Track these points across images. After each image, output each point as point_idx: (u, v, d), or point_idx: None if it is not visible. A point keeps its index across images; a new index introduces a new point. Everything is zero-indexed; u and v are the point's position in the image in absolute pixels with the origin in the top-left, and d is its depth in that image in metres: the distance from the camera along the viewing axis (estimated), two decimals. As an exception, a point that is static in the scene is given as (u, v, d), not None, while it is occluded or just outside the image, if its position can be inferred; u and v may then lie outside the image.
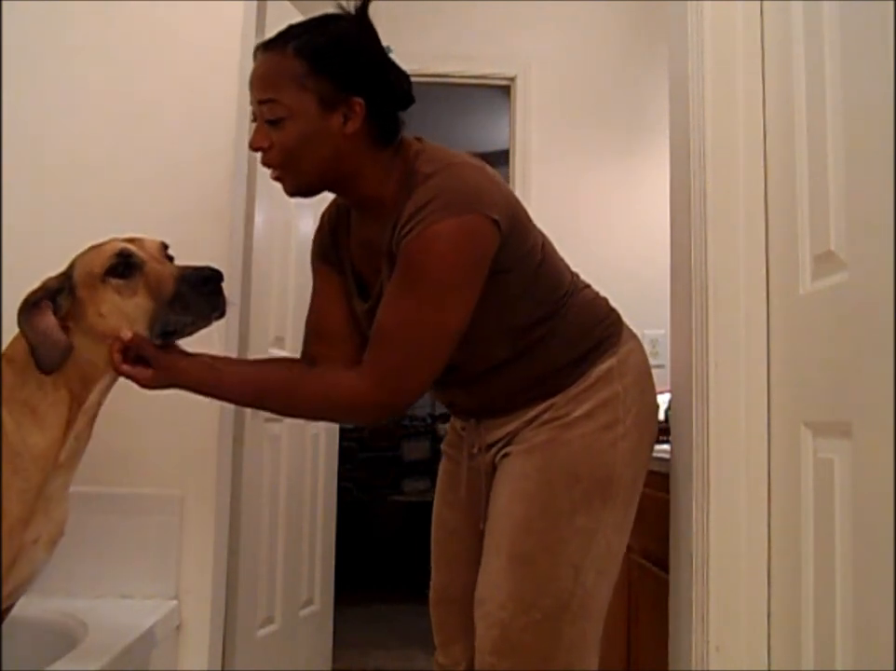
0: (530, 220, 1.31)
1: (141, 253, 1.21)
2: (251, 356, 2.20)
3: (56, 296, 1.18)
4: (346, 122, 1.20)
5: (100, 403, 1.22)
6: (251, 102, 1.24)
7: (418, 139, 1.29)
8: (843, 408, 1.05)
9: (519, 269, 1.25)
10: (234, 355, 2.00)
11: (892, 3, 0.94)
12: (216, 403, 1.88)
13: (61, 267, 1.83)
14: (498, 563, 1.25)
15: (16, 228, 1.82)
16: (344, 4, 1.25)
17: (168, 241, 1.87)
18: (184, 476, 1.80)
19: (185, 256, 1.87)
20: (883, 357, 0.93)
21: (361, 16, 1.24)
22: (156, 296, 1.17)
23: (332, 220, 1.41)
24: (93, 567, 1.75)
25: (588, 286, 1.44)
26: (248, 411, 2.18)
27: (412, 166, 1.23)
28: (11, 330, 1.74)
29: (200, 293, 1.17)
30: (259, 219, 2.24)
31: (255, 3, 2.04)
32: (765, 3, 1.34)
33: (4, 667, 1.16)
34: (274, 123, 1.20)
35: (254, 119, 1.24)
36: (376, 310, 1.25)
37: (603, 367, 1.31)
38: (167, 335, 1.18)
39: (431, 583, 1.48)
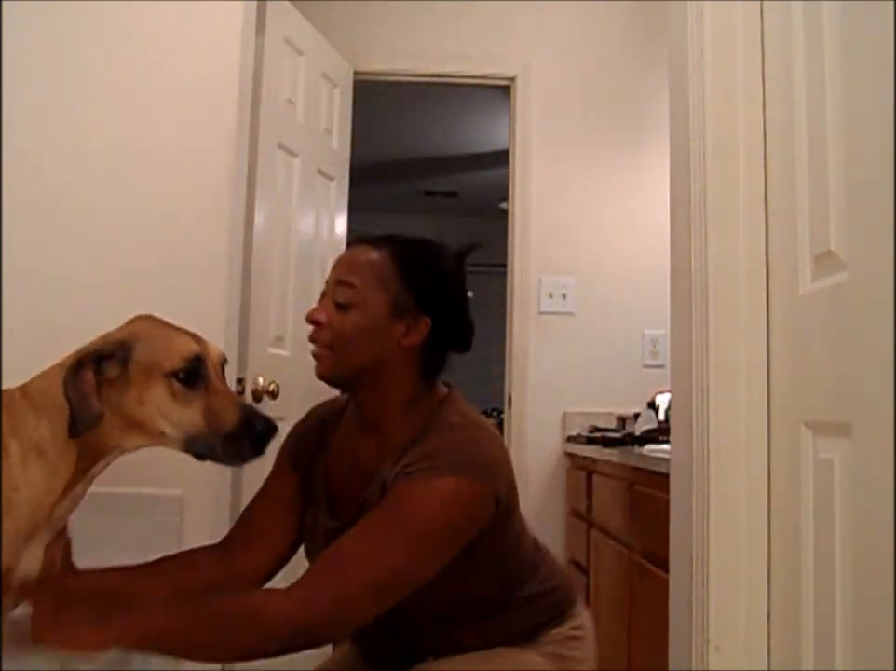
0: (517, 500, 1.30)
1: (209, 367, 1.15)
2: (251, 356, 2.21)
3: (103, 360, 1.12)
4: (406, 333, 1.23)
5: (101, 472, 1.18)
6: (328, 280, 1.27)
7: (447, 384, 1.31)
8: (843, 408, 1.05)
9: (493, 543, 1.22)
10: (234, 354, 1.99)
11: (892, 3, 0.94)
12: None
13: (61, 267, 1.83)
14: None
15: (15, 229, 1.82)
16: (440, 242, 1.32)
17: (168, 241, 1.88)
18: (184, 476, 1.80)
19: (186, 256, 1.88)
20: (883, 357, 0.93)
21: (461, 258, 1.31)
22: (212, 423, 1.12)
23: (322, 423, 1.38)
24: (93, 566, 1.75)
25: (547, 553, 1.43)
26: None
27: (436, 409, 1.25)
28: (11, 331, 1.74)
29: (254, 444, 1.12)
30: (259, 219, 2.24)
31: (255, 3, 2.05)
32: (765, 3, 1.34)
33: (4, 668, 1.16)
34: (342, 307, 1.22)
35: (323, 296, 1.27)
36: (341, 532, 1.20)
37: (562, 631, 1.31)
38: (198, 456, 1.14)
39: None
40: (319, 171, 2.70)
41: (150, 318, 1.19)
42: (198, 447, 1.12)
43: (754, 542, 1.26)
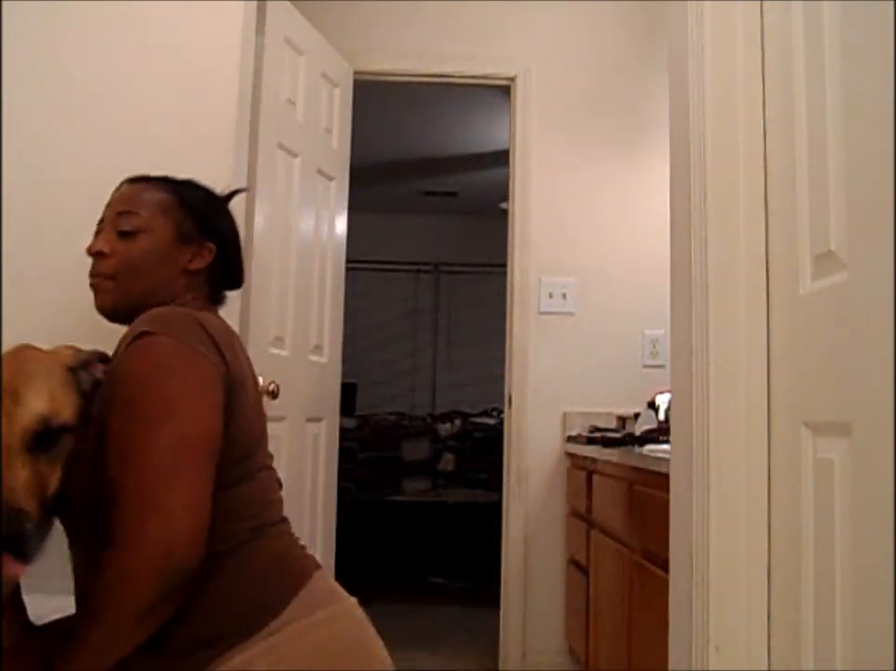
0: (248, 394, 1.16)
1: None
2: (251, 356, 2.20)
3: None
4: (192, 259, 1.26)
5: None
6: (104, 217, 1.27)
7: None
8: (843, 408, 1.05)
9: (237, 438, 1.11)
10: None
11: (892, 3, 0.94)
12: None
13: (60, 267, 1.83)
14: None
15: (14, 227, 1.82)
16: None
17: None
18: (184, 476, 1.79)
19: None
20: (883, 357, 0.93)
21: (227, 199, 1.38)
22: None
23: None
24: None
25: (287, 534, 1.20)
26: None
27: None
28: (11, 330, 1.74)
29: None
30: (259, 219, 2.24)
31: (255, 3, 2.05)
32: (765, 3, 1.34)
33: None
34: (126, 235, 1.22)
35: (98, 232, 1.26)
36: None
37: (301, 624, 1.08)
38: None
39: None
40: (319, 171, 2.70)
41: (25, 350, 1.00)
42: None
43: (754, 542, 1.26)
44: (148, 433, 1.02)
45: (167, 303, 1.20)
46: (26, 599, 1.11)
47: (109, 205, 1.28)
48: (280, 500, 1.25)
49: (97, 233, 1.27)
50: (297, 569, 1.15)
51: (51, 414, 0.93)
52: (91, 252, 1.24)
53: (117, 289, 1.22)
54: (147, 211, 1.24)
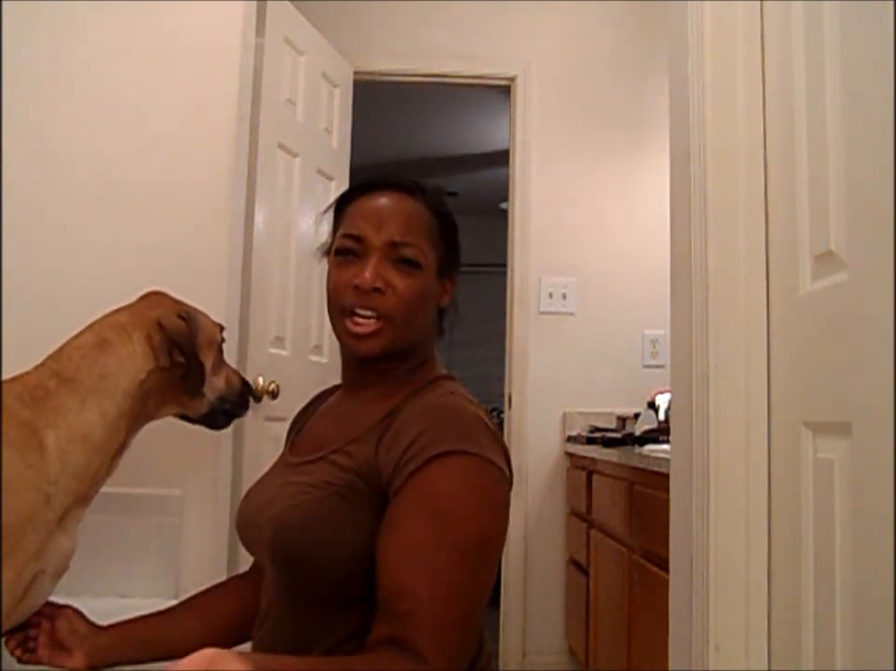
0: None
1: None
2: (251, 356, 2.20)
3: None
4: (443, 294, 1.12)
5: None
6: (365, 234, 1.05)
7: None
8: (843, 408, 1.05)
9: None
10: (234, 354, 1.99)
11: (892, 3, 0.94)
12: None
13: (59, 268, 1.83)
14: None
15: (14, 227, 1.82)
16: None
17: (168, 241, 1.88)
18: (184, 476, 1.79)
19: (185, 256, 1.88)
20: (883, 357, 0.93)
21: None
22: (229, 386, 1.30)
23: (315, 399, 1.27)
24: (93, 566, 1.75)
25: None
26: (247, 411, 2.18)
27: (436, 379, 1.07)
28: (8, 333, 1.74)
29: (248, 401, 1.36)
30: (259, 219, 2.24)
31: (255, 3, 2.04)
32: (765, 3, 1.34)
33: (4, 668, 1.16)
34: (408, 264, 1.04)
35: (354, 255, 1.05)
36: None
37: None
38: (218, 416, 1.32)
39: None
40: (319, 171, 2.70)
41: (165, 293, 1.29)
42: (224, 407, 1.29)
43: (754, 542, 1.26)
44: (468, 570, 0.91)
45: (421, 346, 1.09)
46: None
47: (378, 221, 1.05)
48: None
49: (357, 256, 1.05)
50: None
51: None
52: (363, 286, 1.02)
53: (395, 331, 1.03)
54: (422, 242, 1.06)
